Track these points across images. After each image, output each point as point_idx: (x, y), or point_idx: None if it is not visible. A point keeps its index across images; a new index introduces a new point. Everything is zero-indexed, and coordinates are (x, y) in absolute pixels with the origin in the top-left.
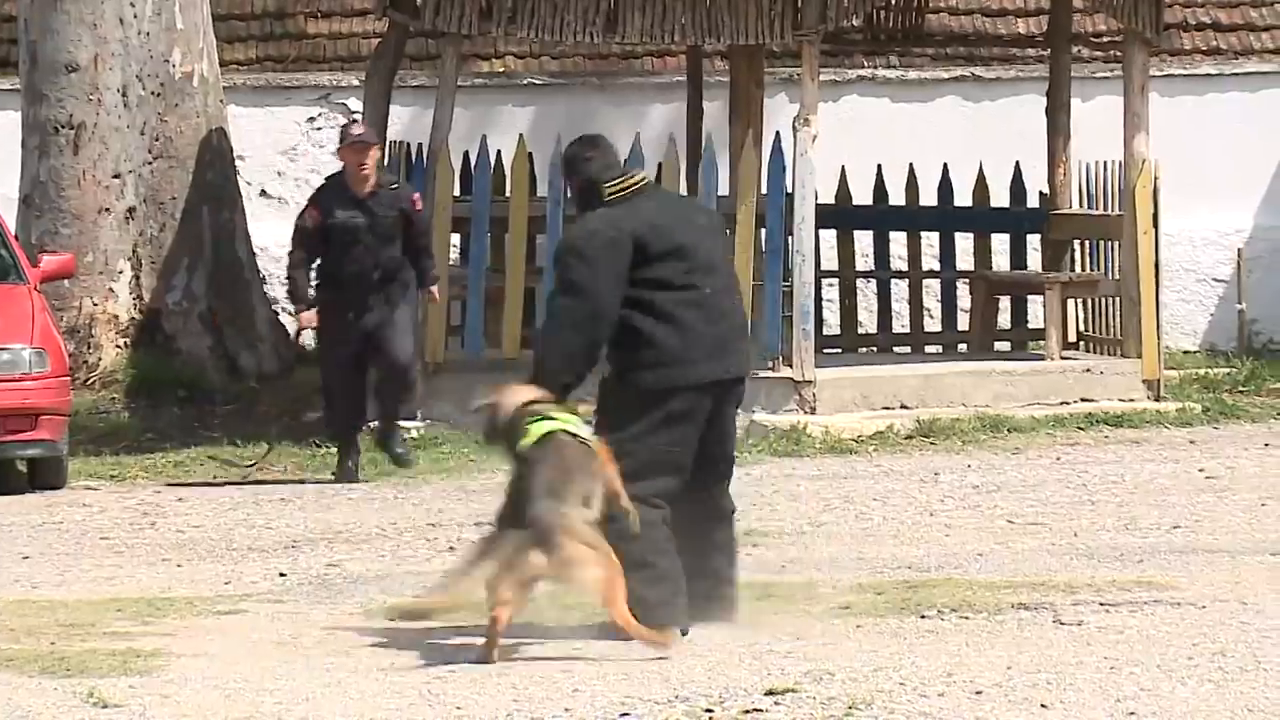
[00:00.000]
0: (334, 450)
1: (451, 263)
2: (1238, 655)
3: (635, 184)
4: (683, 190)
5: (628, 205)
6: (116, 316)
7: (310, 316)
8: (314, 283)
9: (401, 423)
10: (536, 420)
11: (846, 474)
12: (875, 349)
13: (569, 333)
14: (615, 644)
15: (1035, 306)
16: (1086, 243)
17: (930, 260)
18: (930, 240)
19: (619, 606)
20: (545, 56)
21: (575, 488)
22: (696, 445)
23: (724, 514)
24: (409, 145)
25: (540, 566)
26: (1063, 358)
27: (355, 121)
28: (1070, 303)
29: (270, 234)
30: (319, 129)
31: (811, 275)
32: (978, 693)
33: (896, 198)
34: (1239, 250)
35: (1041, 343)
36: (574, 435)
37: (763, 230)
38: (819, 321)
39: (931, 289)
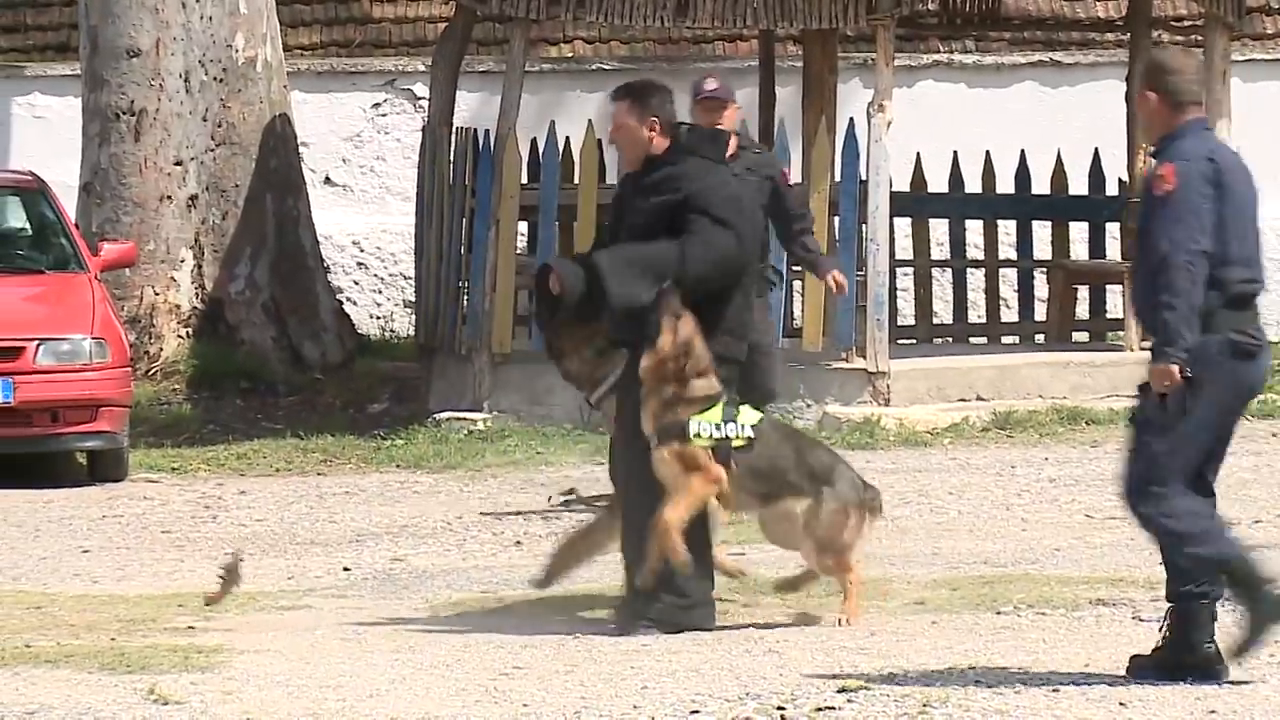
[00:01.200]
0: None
1: (519, 251)
2: None
3: None
4: None
5: None
6: (178, 306)
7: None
8: None
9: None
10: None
11: (921, 467)
12: (950, 339)
13: None
14: (684, 641)
15: (1114, 296)
16: None
17: (1007, 249)
18: (1007, 228)
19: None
20: (614, 41)
21: None
22: None
23: None
24: (475, 132)
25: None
26: (1142, 348)
27: (709, 76)
28: None
29: (334, 222)
30: (384, 115)
31: (885, 264)
32: (1054, 690)
33: (972, 185)
34: None
35: (1120, 333)
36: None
37: (836, 219)
38: (893, 312)
39: (1008, 278)
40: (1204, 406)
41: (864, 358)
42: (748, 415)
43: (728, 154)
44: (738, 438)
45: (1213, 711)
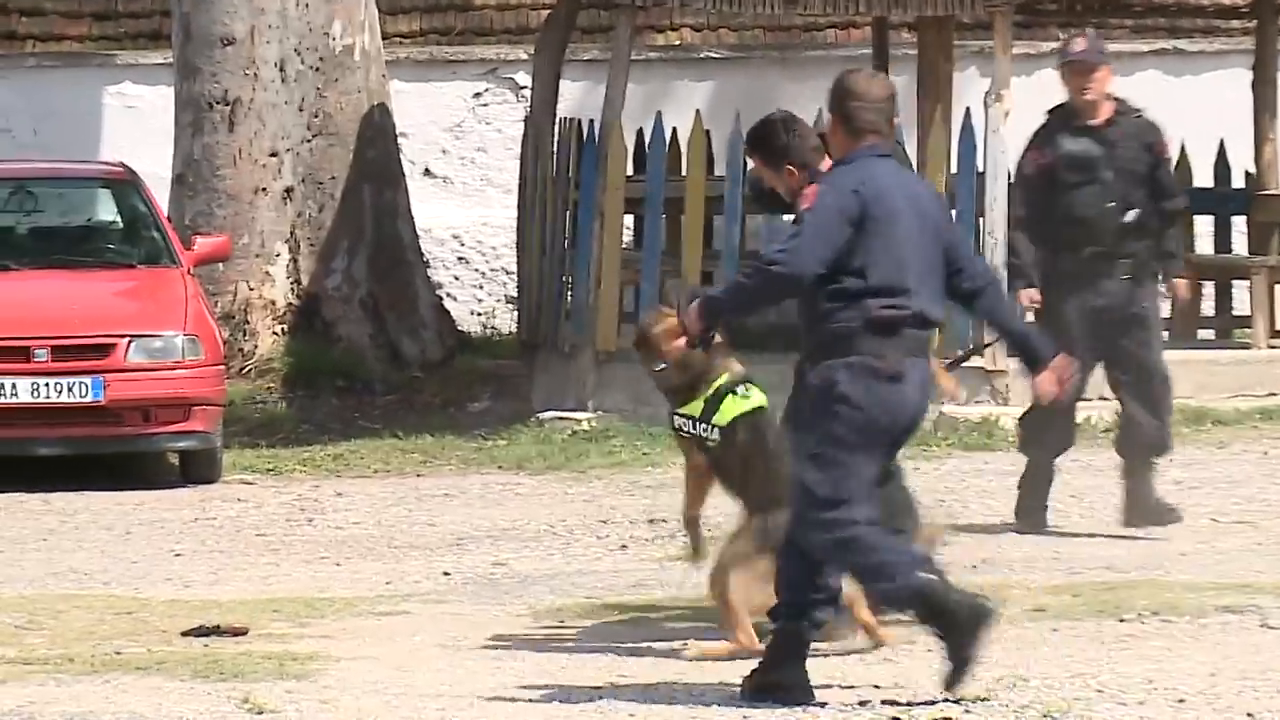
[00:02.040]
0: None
1: (625, 245)
2: None
3: None
4: None
5: None
6: (273, 301)
7: (1032, 294)
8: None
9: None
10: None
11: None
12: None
13: None
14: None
15: (1240, 292)
16: None
17: None
18: None
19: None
20: (723, 29)
21: None
22: None
23: None
24: (580, 122)
25: None
26: (1269, 346)
27: (1077, 37)
28: (1278, 289)
29: (434, 215)
30: (485, 105)
31: (1003, 258)
32: (1180, 701)
33: None
34: None
35: (1247, 330)
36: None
37: (953, 211)
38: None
39: None
40: (839, 424)
41: (981, 356)
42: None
43: (1101, 116)
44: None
45: None
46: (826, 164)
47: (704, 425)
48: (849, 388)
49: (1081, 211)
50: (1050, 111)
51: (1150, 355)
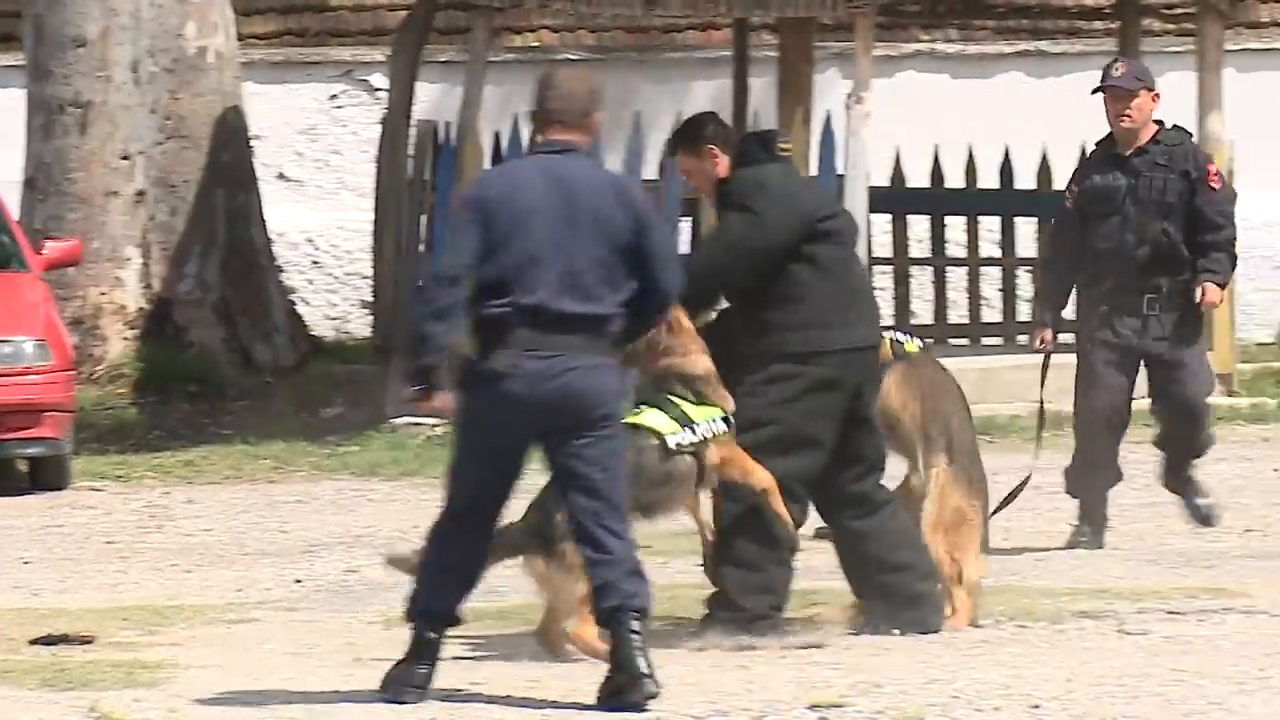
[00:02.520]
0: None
1: None
2: None
3: None
4: None
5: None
6: (124, 306)
7: (1044, 334)
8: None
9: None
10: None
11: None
12: (931, 340)
13: None
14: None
15: None
16: None
17: (990, 247)
18: (990, 226)
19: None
20: (582, 30)
21: None
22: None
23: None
24: (436, 125)
25: None
26: None
27: (1116, 61)
28: None
29: (288, 218)
30: (340, 107)
31: (864, 262)
32: (1035, 706)
33: (954, 180)
34: None
35: None
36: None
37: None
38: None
39: (991, 277)
40: (462, 426)
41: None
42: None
43: (1135, 144)
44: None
45: None
46: (723, 165)
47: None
48: (468, 383)
49: (1101, 244)
50: (1098, 141)
51: (1179, 391)
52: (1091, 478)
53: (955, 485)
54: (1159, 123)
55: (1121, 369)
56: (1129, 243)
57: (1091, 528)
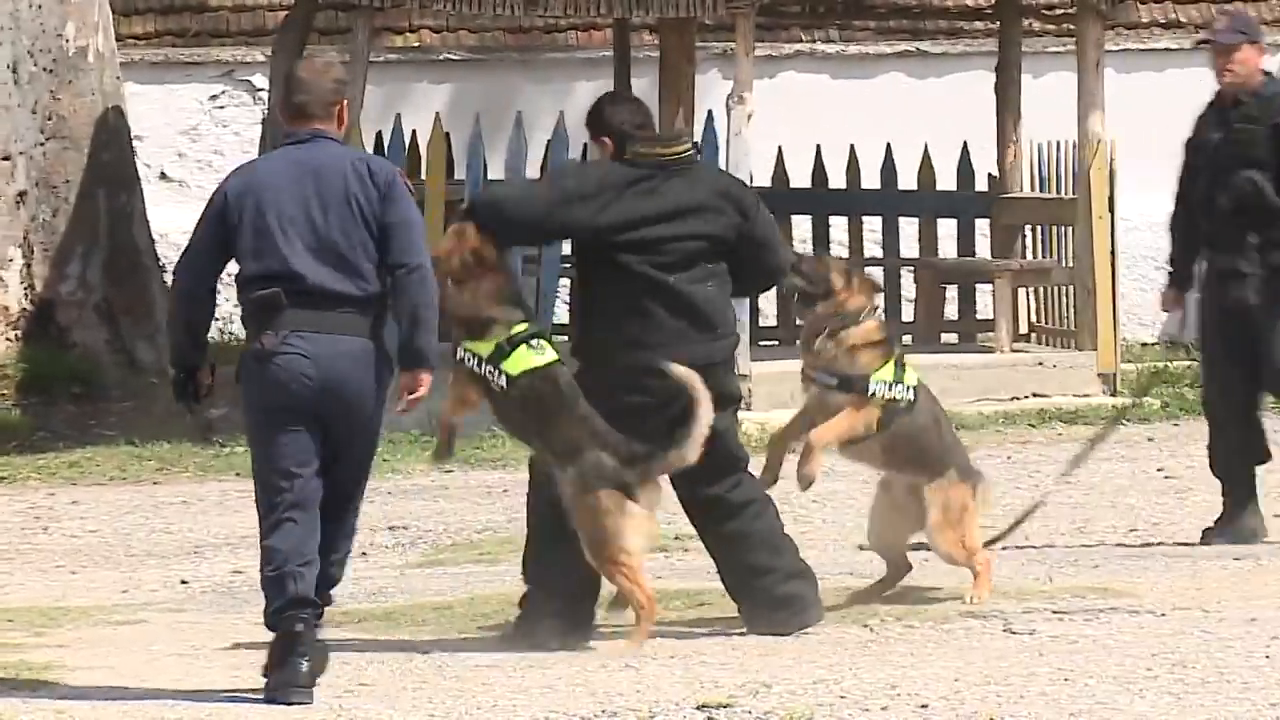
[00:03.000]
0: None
1: None
2: (1199, 666)
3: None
4: None
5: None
6: (6, 307)
7: (1167, 294)
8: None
9: None
10: None
11: (785, 473)
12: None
13: None
14: (541, 657)
15: (984, 296)
16: (1038, 228)
17: (872, 247)
18: (872, 225)
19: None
20: (463, 30)
21: None
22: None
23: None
24: None
25: None
26: (1013, 350)
27: (1221, 15)
28: (1021, 292)
29: (170, 219)
30: (221, 108)
31: None
32: (923, 706)
33: (837, 180)
34: None
35: (990, 334)
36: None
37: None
38: (754, 312)
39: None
40: (247, 416)
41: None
42: None
43: (1232, 98)
44: None
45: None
46: (609, 148)
47: (491, 369)
48: (243, 372)
49: (1193, 199)
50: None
51: (1265, 351)
52: (1232, 462)
53: (955, 485)
54: (1266, 73)
55: (1219, 332)
56: (1215, 196)
57: (1245, 513)
